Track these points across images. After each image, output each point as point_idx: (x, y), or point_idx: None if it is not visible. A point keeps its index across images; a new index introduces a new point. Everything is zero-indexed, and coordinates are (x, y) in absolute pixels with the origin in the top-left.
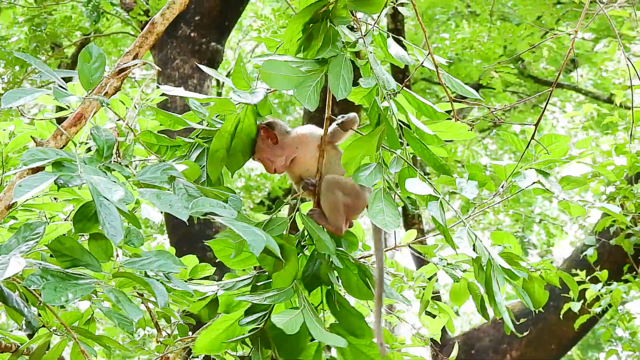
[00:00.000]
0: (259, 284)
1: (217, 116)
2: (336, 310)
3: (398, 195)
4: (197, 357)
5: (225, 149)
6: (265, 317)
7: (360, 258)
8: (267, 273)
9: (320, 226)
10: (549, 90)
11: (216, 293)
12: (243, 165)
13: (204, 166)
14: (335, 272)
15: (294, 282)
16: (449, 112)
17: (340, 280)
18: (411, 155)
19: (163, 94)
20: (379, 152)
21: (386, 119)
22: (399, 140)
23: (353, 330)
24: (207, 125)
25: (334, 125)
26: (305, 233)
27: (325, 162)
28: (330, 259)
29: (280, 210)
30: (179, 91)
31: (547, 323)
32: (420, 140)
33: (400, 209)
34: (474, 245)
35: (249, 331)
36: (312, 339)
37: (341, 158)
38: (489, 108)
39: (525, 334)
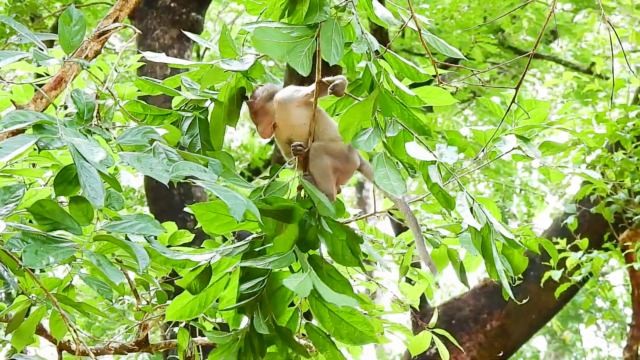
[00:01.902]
0: (258, 249)
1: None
2: (323, 275)
3: (397, 159)
4: (177, 324)
5: (223, 118)
6: (264, 283)
7: (346, 222)
8: (262, 240)
9: (320, 191)
10: (529, 54)
11: (209, 262)
12: (239, 116)
13: (197, 135)
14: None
15: (294, 246)
16: (431, 79)
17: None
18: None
19: (141, 60)
20: (374, 116)
21: (379, 83)
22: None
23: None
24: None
25: (325, 90)
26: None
27: (308, 125)
28: (319, 224)
29: (277, 175)
30: (162, 57)
31: (527, 293)
32: (400, 101)
33: None
34: (471, 208)
35: (247, 297)
36: (292, 304)
37: (338, 125)
38: (472, 71)
39: (524, 300)
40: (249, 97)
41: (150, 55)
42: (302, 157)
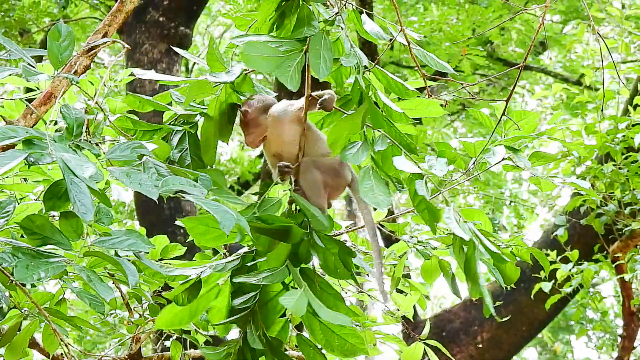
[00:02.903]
0: (250, 264)
1: (194, 101)
2: (315, 289)
3: (384, 173)
4: (169, 337)
5: (214, 133)
6: (256, 298)
7: (332, 236)
8: (252, 254)
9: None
10: (519, 66)
11: (199, 276)
12: (232, 132)
13: (186, 149)
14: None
15: (287, 261)
16: (421, 89)
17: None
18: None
19: (132, 75)
20: (362, 130)
21: (368, 97)
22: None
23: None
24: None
25: (315, 105)
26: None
27: (299, 140)
28: (311, 238)
29: (269, 190)
30: (151, 74)
31: (518, 304)
32: (387, 118)
33: None
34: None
35: (239, 312)
36: (283, 315)
37: (327, 138)
38: (461, 84)
39: (505, 319)
40: (242, 106)
41: (139, 72)
42: (289, 176)
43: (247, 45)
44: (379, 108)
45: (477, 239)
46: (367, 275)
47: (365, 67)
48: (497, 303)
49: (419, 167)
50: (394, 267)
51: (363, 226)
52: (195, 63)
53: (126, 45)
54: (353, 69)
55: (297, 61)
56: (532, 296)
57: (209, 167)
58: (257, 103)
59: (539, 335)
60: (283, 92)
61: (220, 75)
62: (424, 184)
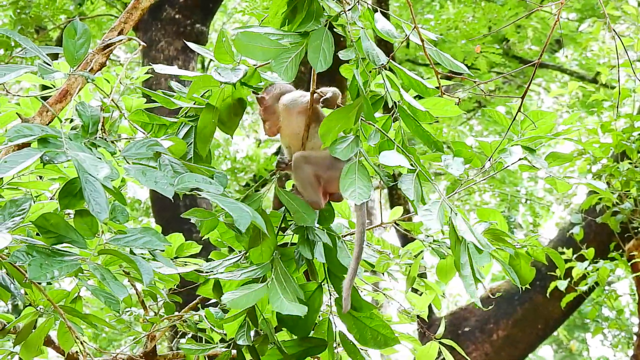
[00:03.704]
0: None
1: (204, 95)
2: (337, 285)
3: (373, 167)
4: (184, 335)
5: (214, 123)
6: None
7: (346, 235)
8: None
9: (300, 199)
10: (534, 64)
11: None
12: (238, 125)
13: (191, 143)
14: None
15: (273, 256)
16: (436, 88)
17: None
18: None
19: (148, 73)
20: (357, 124)
21: (364, 92)
22: (394, 117)
23: (352, 303)
24: (194, 104)
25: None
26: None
27: (310, 134)
28: (307, 233)
29: (259, 190)
30: (169, 69)
31: (533, 303)
32: (413, 117)
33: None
34: (450, 220)
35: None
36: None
37: (319, 129)
38: (475, 82)
39: (487, 308)
40: (261, 93)
41: (158, 68)
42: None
43: (241, 34)
44: (401, 106)
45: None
46: (383, 273)
47: (383, 65)
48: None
49: (412, 162)
50: (409, 266)
51: (379, 225)
52: (211, 60)
53: (142, 43)
54: (355, 62)
55: (295, 54)
56: (547, 294)
57: (201, 157)
58: (274, 90)
59: (555, 334)
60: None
61: (226, 73)
62: (413, 179)
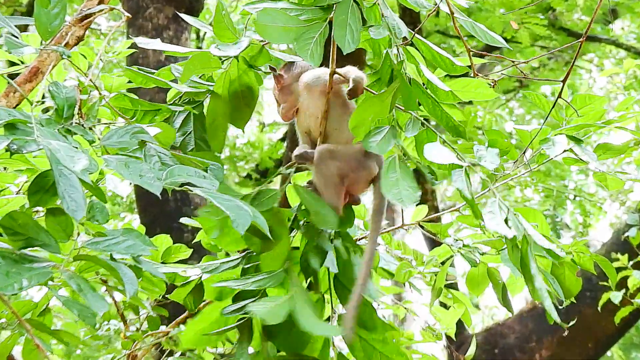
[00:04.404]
0: (247, 266)
1: (201, 76)
2: (345, 299)
3: (416, 163)
4: (172, 354)
5: (225, 115)
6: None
7: (362, 238)
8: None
9: (321, 199)
10: (580, 41)
11: (200, 277)
12: (250, 117)
13: (190, 132)
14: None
15: (286, 264)
16: (467, 67)
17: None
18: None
19: (132, 47)
20: (392, 113)
21: (401, 74)
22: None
23: (363, 321)
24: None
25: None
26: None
27: (334, 121)
28: (317, 241)
29: (272, 182)
30: (156, 43)
31: (582, 317)
32: (432, 96)
33: None
34: (506, 220)
35: (237, 321)
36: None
37: (349, 121)
38: (512, 62)
39: (568, 327)
40: (278, 70)
41: (142, 41)
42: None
43: (261, 14)
44: (423, 85)
45: (526, 234)
46: (404, 283)
47: (405, 38)
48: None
49: (458, 155)
50: (435, 275)
51: (400, 226)
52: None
53: (126, 14)
54: (389, 43)
55: (319, 32)
56: (599, 308)
57: (216, 154)
58: (295, 68)
59: (608, 354)
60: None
61: (227, 47)
62: (463, 175)
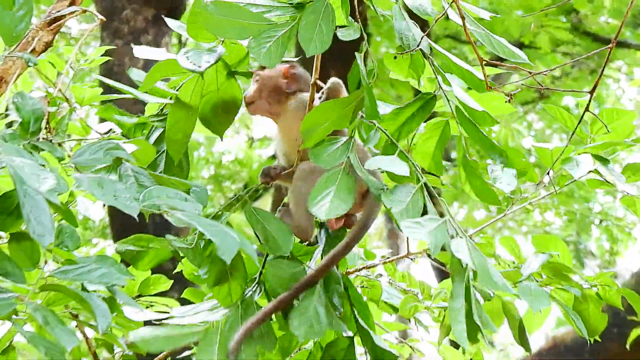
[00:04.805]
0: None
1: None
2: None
3: (365, 178)
4: None
5: (189, 123)
6: None
7: (362, 268)
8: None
9: (277, 221)
10: (609, 47)
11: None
12: (231, 123)
13: (164, 151)
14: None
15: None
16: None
17: None
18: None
19: (106, 54)
20: (355, 124)
21: (367, 82)
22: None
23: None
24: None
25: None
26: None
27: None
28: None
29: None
30: (158, 52)
31: (608, 355)
32: (471, 119)
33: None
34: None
35: None
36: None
37: (302, 123)
38: (530, 72)
39: None
40: (289, 64)
41: (141, 52)
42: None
43: (214, 4)
44: (458, 107)
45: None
46: (409, 319)
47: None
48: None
49: (416, 170)
50: (444, 310)
51: (404, 255)
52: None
53: (100, 16)
54: (360, 49)
55: (282, 32)
56: (627, 345)
57: (173, 163)
58: (304, 75)
59: None
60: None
61: (196, 56)
62: (420, 192)
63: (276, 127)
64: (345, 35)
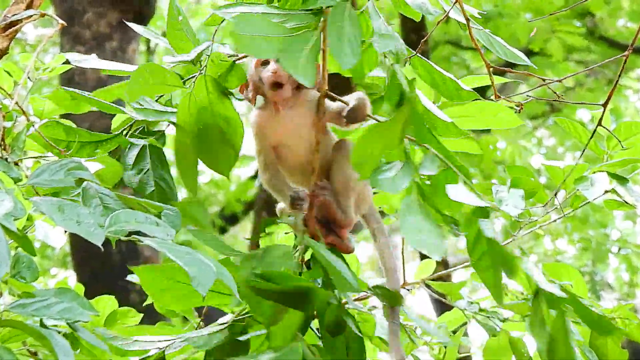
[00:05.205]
0: (245, 337)
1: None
2: None
3: (437, 211)
4: None
5: (192, 148)
6: None
7: (355, 300)
8: (242, 323)
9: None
10: (625, 54)
11: (163, 351)
12: (236, 160)
13: (147, 170)
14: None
15: (299, 337)
16: (481, 88)
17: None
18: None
19: (68, 62)
20: (403, 144)
21: (410, 97)
22: None
23: None
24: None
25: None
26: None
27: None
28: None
29: (267, 233)
30: (92, 60)
31: None
32: (429, 130)
33: None
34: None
35: None
36: None
37: (351, 156)
38: (543, 79)
39: None
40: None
41: (74, 58)
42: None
43: (240, 21)
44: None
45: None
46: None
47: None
48: None
49: (485, 200)
50: (445, 347)
51: (401, 286)
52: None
53: (60, 21)
54: (390, 55)
55: (311, 44)
56: None
57: (173, 193)
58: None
59: None
60: None
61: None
62: (491, 225)
63: (268, 122)
64: (382, 45)
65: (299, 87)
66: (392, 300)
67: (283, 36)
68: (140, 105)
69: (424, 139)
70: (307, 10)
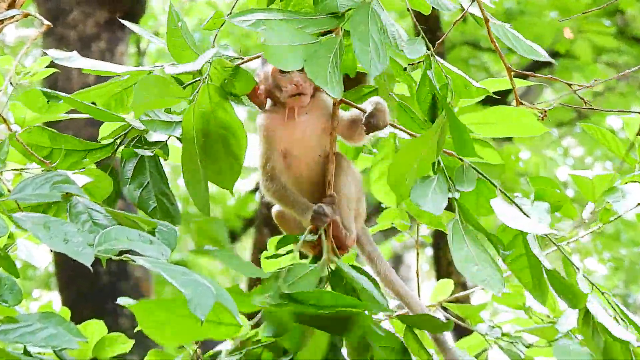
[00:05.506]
0: None
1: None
2: None
3: (484, 231)
4: None
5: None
6: None
7: None
8: (259, 351)
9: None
10: None
11: None
12: (240, 173)
13: (148, 184)
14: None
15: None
16: (502, 93)
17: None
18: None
19: (52, 65)
20: (438, 158)
21: (448, 106)
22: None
23: None
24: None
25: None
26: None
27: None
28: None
29: (288, 252)
30: (76, 58)
31: None
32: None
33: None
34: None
35: None
36: None
37: (388, 175)
38: (569, 84)
39: None
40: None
41: (56, 55)
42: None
43: (268, 31)
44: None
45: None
46: None
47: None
48: None
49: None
50: None
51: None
52: (151, 42)
53: (45, 21)
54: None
55: (335, 49)
56: None
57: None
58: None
59: None
60: None
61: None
62: (536, 242)
63: (278, 126)
64: (412, 51)
65: (314, 93)
66: (440, 328)
67: (306, 43)
68: (149, 117)
69: (465, 152)
70: (327, 13)
